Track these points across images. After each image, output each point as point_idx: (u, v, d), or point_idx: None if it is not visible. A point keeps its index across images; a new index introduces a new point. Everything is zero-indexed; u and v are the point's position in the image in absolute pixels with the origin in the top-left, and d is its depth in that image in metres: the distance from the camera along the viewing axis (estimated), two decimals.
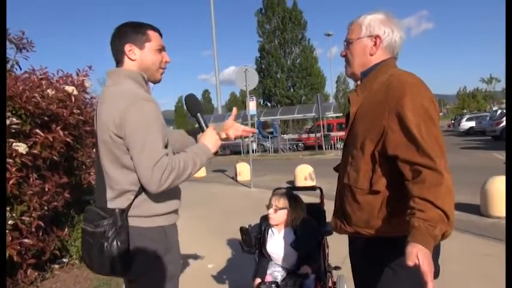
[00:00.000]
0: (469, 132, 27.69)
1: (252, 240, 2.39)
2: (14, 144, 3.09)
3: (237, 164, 12.40)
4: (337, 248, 4.10)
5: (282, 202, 2.40)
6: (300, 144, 25.17)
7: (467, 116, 32.00)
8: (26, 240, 3.18)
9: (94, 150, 4.20)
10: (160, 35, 1.76)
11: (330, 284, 2.59)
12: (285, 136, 27.39)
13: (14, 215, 3.14)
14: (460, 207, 6.15)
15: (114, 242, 1.53)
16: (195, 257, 4.33)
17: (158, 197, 1.60)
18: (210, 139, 1.75)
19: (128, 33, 1.67)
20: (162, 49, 1.74)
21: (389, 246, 1.43)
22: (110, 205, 1.62)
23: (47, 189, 3.42)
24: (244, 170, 11.72)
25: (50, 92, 3.52)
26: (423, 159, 1.28)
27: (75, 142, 3.88)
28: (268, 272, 2.36)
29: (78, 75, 4.10)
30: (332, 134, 22.94)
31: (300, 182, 9.50)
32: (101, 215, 1.58)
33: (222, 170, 14.95)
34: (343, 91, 71.29)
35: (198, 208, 7.19)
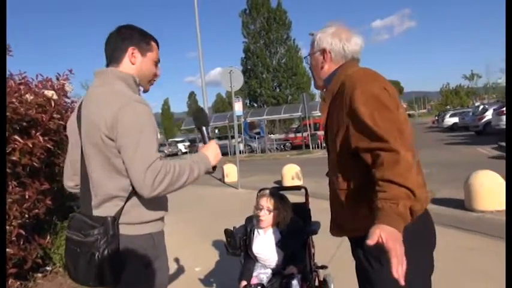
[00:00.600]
0: (453, 128, 28.15)
1: (237, 242, 2.37)
2: None
3: (224, 165, 12.37)
4: (325, 247, 4.12)
5: (273, 203, 2.39)
6: (287, 144, 25.24)
7: (450, 112, 32.56)
8: (6, 249, 3.10)
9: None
10: (159, 48, 1.76)
11: (317, 283, 2.58)
12: (272, 136, 27.45)
13: None
14: (444, 202, 6.24)
15: (106, 252, 1.47)
16: (183, 260, 4.29)
17: (147, 204, 1.57)
18: (212, 151, 1.72)
19: (135, 37, 1.66)
20: (158, 62, 1.75)
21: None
22: (96, 213, 1.56)
23: (27, 197, 3.34)
24: (231, 171, 11.70)
25: (29, 97, 3.44)
26: (378, 143, 1.31)
27: (56, 148, 3.80)
28: (254, 274, 2.34)
29: (58, 79, 4.02)
30: (318, 133, 23.03)
31: (288, 182, 9.52)
32: (88, 223, 1.52)
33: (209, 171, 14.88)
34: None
35: (186, 211, 7.14)
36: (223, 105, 67.13)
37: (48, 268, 3.95)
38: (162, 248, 1.68)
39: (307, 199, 2.73)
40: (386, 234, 1.18)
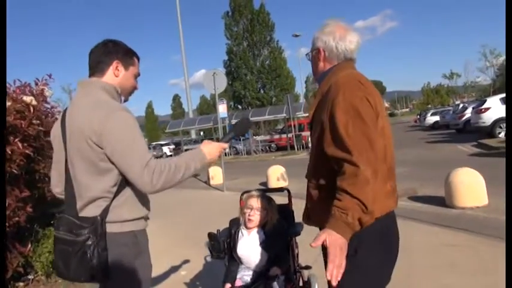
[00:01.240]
0: (434, 126, 28.66)
1: (221, 245, 2.37)
2: None
3: (209, 168, 12.32)
4: (309, 248, 4.15)
5: (264, 204, 2.42)
6: (272, 145, 25.31)
7: (432, 111, 33.13)
8: (6, 249, 3.03)
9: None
10: (139, 63, 1.90)
11: (301, 284, 2.60)
12: (257, 138, 27.48)
13: None
14: (425, 199, 6.36)
15: (96, 250, 1.58)
16: (168, 264, 4.26)
17: (127, 204, 1.67)
18: (209, 147, 1.81)
19: (120, 51, 1.78)
20: (137, 76, 1.88)
21: None
22: (81, 214, 1.65)
23: (7, 204, 3.27)
24: (216, 174, 11.67)
25: (7, 103, 3.37)
26: (344, 154, 1.38)
27: (36, 154, 3.73)
28: (238, 276, 2.34)
29: (37, 84, 3.95)
30: (303, 133, 23.17)
31: (273, 183, 9.55)
32: (77, 224, 1.62)
33: (195, 174, 14.81)
34: (313, 91, 72.40)
35: (171, 214, 7.08)
36: (208, 107, 66.88)
37: (29, 277, 3.88)
38: (144, 245, 1.76)
39: (290, 200, 2.75)
40: (330, 240, 1.31)
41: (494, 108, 14.27)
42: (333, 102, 1.46)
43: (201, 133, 39.50)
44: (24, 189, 3.50)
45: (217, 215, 6.92)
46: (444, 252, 3.94)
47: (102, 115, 1.58)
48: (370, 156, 1.36)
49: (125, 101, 1.88)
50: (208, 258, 4.24)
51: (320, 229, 1.63)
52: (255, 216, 2.39)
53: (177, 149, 28.32)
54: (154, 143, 42.01)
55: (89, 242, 1.58)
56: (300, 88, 74.52)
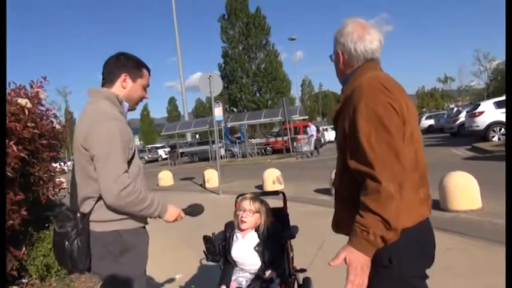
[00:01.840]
0: (429, 130, 28.83)
1: (216, 248, 2.38)
2: None
3: (205, 170, 12.31)
4: (305, 251, 4.17)
5: (257, 206, 2.44)
6: (267, 148, 25.31)
7: (426, 115, 33.35)
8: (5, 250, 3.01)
9: (53, 164, 4.10)
10: (150, 74, 2.05)
11: (296, 287, 2.61)
12: (253, 141, 27.50)
13: None
14: None
15: (75, 242, 1.76)
16: (163, 267, 4.26)
17: None
18: (173, 210, 1.97)
19: (130, 64, 1.94)
20: (147, 87, 2.04)
21: None
22: (80, 209, 1.85)
23: None
24: (212, 177, 11.66)
25: None
26: (366, 168, 1.31)
27: (31, 157, 3.71)
28: (233, 278, 2.35)
29: (32, 87, 3.94)
30: (299, 136, 23.21)
31: (268, 186, 9.56)
32: (69, 217, 1.82)
33: (190, 177, 14.79)
34: (308, 94, 72.67)
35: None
36: (203, 110, 66.86)
37: (24, 280, 3.85)
38: (133, 243, 1.84)
39: (285, 204, 2.76)
40: (351, 258, 1.28)
41: (488, 112, 14.39)
42: (355, 109, 1.38)
43: (197, 136, 39.45)
44: (18, 192, 3.48)
45: (213, 218, 6.88)
46: (438, 255, 3.89)
47: (91, 121, 1.76)
48: (396, 169, 1.29)
49: (132, 109, 2.04)
50: (204, 261, 4.24)
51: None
52: (248, 218, 2.40)
53: (173, 152, 28.22)
54: (149, 146, 41.93)
55: (69, 235, 1.76)
56: (295, 91, 74.70)
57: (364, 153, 1.31)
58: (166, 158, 30.37)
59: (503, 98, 14.61)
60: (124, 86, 1.93)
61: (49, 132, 3.92)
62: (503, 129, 13.88)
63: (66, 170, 5.69)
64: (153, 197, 1.87)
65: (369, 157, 1.30)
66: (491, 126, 14.22)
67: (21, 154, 3.38)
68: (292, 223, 2.68)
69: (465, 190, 5.60)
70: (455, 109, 23.38)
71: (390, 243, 1.29)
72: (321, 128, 29.60)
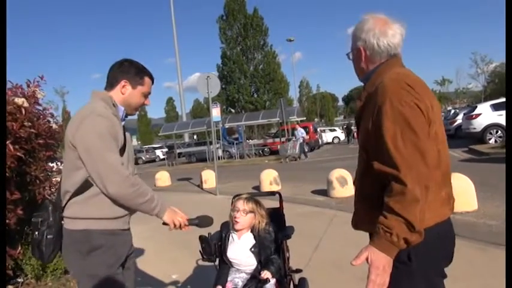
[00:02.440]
0: None
1: (212, 248, 2.38)
2: None
3: (202, 171, 12.31)
4: (301, 251, 4.18)
5: (250, 206, 2.43)
6: (265, 149, 25.30)
7: None
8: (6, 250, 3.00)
9: (50, 163, 4.09)
10: (153, 82, 2.09)
11: (292, 287, 2.61)
12: (250, 142, 27.49)
13: None
14: None
15: (44, 234, 1.82)
16: (159, 268, 4.26)
17: (82, 203, 1.83)
18: (174, 213, 2.01)
19: (130, 71, 1.99)
20: (147, 95, 2.08)
21: None
22: (62, 203, 1.89)
23: None
24: (209, 178, 11.65)
25: None
26: (391, 170, 1.30)
27: (28, 156, 3.71)
28: (229, 278, 2.35)
29: (28, 86, 3.94)
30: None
31: (266, 187, 9.56)
32: (46, 208, 1.88)
33: (188, 178, 14.79)
34: (306, 95, 72.72)
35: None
36: (201, 110, 66.80)
37: (19, 280, 3.84)
38: (100, 244, 1.84)
39: (281, 204, 2.77)
40: (373, 258, 1.30)
41: (485, 115, 14.45)
42: (379, 109, 1.35)
43: (195, 137, 39.41)
44: (15, 191, 3.48)
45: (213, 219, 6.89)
46: None
47: (81, 118, 1.82)
48: (422, 170, 1.28)
49: (131, 114, 2.09)
50: (200, 262, 4.24)
51: (370, 235, 1.59)
52: (241, 219, 2.40)
53: (170, 152, 28.18)
54: (147, 146, 41.83)
55: (39, 226, 1.83)
56: (293, 92, 74.73)
57: (390, 154, 1.31)
58: (163, 159, 30.29)
59: (500, 100, 14.69)
60: (123, 91, 1.98)
61: (46, 132, 3.91)
62: (499, 132, 13.94)
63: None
64: (153, 194, 1.90)
65: (394, 158, 1.29)
66: (488, 128, 14.27)
67: (18, 153, 3.38)
68: (288, 224, 2.68)
69: (461, 192, 5.61)
70: (453, 111, 23.48)
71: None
72: (318, 130, 29.61)
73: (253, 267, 2.35)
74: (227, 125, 26.85)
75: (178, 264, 4.33)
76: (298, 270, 2.74)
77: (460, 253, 3.86)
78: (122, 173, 1.77)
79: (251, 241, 2.38)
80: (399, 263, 1.38)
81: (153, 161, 34.82)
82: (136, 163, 32.05)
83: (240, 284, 2.30)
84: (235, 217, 2.41)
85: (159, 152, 35.64)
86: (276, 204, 2.81)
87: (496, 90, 44.43)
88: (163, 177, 14.30)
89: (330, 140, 33.54)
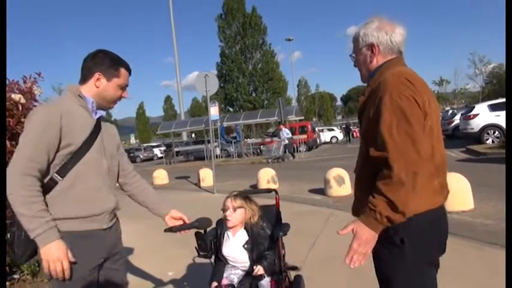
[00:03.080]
0: None
1: (208, 245, 2.38)
2: None
3: (200, 170, 12.30)
4: (298, 249, 4.18)
5: (239, 202, 2.44)
6: (263, 148, 25.29)
7: None
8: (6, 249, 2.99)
9: None
10: (130, 74, 1.97)
11: (287, 284, 2.62)
12: (248, 140, 27.46)
13: None
14: None
15: (15, 234, 1.74)
16: (156, 265, 4.25)
17: (49, 203, 1.71)
18: (56, 250, 1.65)
19: (104, 63, 1.87)
20: (124, 87, 1.95)
21: None
22: None
23: None
24: (207, 176, 11.65)
25: None
26: (383, 155, 1.43)
27: None
28: (225, 275, 2.35)
29: (25, 82, 3.92)
30: (294, 137, 23.23)
31: (263, 186, 9.55)
32: None
33: (185, 176, 14.78)
34: (305, 94, 72.77)
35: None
36: (199, 109, 66.77)
37: (15, 276, 3.83)
38: (68, 247, 1.69)
39: (277, 201, 2.77)
40: (358, 229, 1.46)
41: (482, 115, 14.49)
42: (380, 101, 1.48)
43: (193, 135, 39.38)
44: None
45: (207, 216, 6.89)
46: None
47: None
48: (412, 157, 1.39)
49: (109, 108, 1.99)
50: (197, 259, 4.24)
51: None
52: (232, 216, 2.41)
53: (168, 151, 28.14)
54: (145, 145, 41.79)
55: (9, 227, 1.80)
56: (292, 92, 74.79)
57: (384, 141, 1.43)
58: (161, 157, 30.25)
59: (498, 101, 14.73)
60: (97, 85, 1.87)
61: None
62: (497, 132, 13.98)
63: None
64: (47, 219, 1.64)
65: (387, 145, 1.42)
66: (485, 128, 14.32)
67: (14, 149, 3.37)
68: (285, 222, 2.68)
69: (458, 191, 5.63)
70: (450, 111, 23.51)
71: (402, 225, 1.43)
72: (316, 129, 29.63)
73: (249, 263, 2.36)
74: (225, 124, 26.82)
75: (174, 261, 4.33)
76: (294, 268, 2.74)
77: (456, 252, 3.90)
78: (15, 168, 1.62)
79: (245, 238, 2.39)
80: (393, 246, 1.53)
81: (151, 159, 34.80)
82: (134, 161, 32.31)
83: (236, 280, 2.31)
84: (226, 215, 2.42)
85: (157, 151, 35.63)
86: (272, 202, 2.81)
87: (494, 91, 44.56)
88: (161, 176, 14.29)
89: (328, 140, 33.57)
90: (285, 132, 20.20)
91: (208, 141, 21.59)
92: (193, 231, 2.28)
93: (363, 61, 1.74)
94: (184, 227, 2.13)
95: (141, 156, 34.82)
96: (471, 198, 5.73)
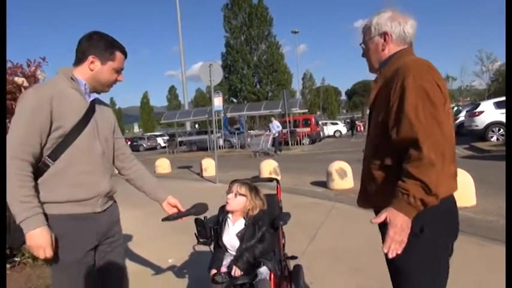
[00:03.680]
0: None
1: (207, 232, 2.37)
2: None
3: (202, 160, 12.32)
4: (298, 241, 4.19)
5: (243, 190, 2.41)
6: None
7: None
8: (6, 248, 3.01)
9: None
10: (126, 57, 1.93)
11: (286, 274, 2.62)
12: (252, 132, 27.44)
13: None
14: None
15: (11, 218, 1.66)
16: (156, 252, 4.27)
17: (41, 187, 1.71)
18: (40, 237, 1.63)
19: (99, 46, 1.82)
20: (120, 71, 1.91)
21: None
22: None
23: None
24: (209, 166, 11.67)
25: None
26: (410, 137, 1.41)
27: None
28: (224, 263, 2.34)
29: (29, 66, 3.91)
30: (298, 130, 23.19)
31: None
32: None
33: (188, 166, 14.81)
34: (309, 87, 72.47)
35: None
36: (203, 100, 66.68)
37: (16, 259, 3.86)
38: (61, 230, 1.71)
39: (278, 191, 2.76)
40: (392, 217, 1.41)
41: (488, 112, 14.37)
42: (403, 84, 1.47)
43: (196, 126, 39.38)
44: None
45: (209, 205, 6.90)
46: None
47: None
48: (439, 139, 1.39)
49: (103, 91, 1.95)
50: (197, 247, 4.26)
51: (376, 212, 1.66)
52: (232, 200, 2.39)
53: (171, 140, 28.15)
54: (148, 134, 41.85)
55: (7, 211, 1.68)
56: (296, 84, 74.48)
57: (410, 123, 1.41)
58: (164, 147, 30.29)
59: (504, 98, 14.60)
60: (92, 68, 1.83)
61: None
62: (502, 130, 13.87)
63: None
64: (33, 204, 1.63)
65: (414, 127, 1.40)
66: (490, 126, 14.21)
67: None
68: (285, 211, 2.67)
69: (460, 187, 5.56)
70: (455, 108, 23.35)
71: (421, 213, 1.40)
72: (320, 122, 29.55)
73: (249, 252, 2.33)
74: (229, 115, 26.78)
75: (175, 248, 4.35)
76: (294, 257, 2.74)
77: (459, 248, 3.86)
78: (12, 154, 1.62)
79: (245, 227, 2.37)
80: (411, 235, 1.46)
81: (154, 148, 34.87)
82: (137, 150, 32.39)
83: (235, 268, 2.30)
84: (227, 198, 2.41)
85: (160, 140, 35.67)
86: (274, 192, 2.80)
87: (500, 89, 44.15)
88: (163, 165, 14.33)
89: (331, 133, 33.51)
90: (275, 125, 19.65)
91: (212, 132, 21.62)
92: (193, 218, 2.27)
93: (374, 50, 1.74)
94: (181, 214, 2.11)
95: (144, 145, 34.89)
96: (474, 195, 5.71)
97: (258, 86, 38.78)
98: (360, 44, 1.81)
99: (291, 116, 24.44)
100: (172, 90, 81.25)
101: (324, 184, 8.23)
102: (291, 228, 2.47)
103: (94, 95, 1.89)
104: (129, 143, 31.67)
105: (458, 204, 1.66)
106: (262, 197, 2.48)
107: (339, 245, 4.14)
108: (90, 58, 1.81)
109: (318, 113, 63.37)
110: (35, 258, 3.94)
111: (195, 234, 2.39)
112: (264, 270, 2.21)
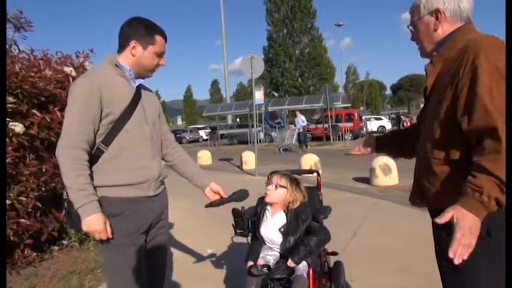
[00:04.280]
0: None
1: (245, 223, 2.32)
2: (10, 123, 3.06)
3: (242, 153, 12.37)
4: (340, 237, 4.05)
5: (284, 181, 2.31)
6: (307, 134, 25.00)
7: None
8: (22, 220, 3.17)
9: None
10: (166, 41, 1.94)
11: (326, 270, 2.52)
12: (293, 126, 27.21)
13: (11, 194, 3.13)
14: None
15: (69, 203, 1.76)
16: (195, 242, 4.32)
17: (97, 171, 1.78)
18: (96, 221, 1.71)
19: (140, 31, 1.85)
20: (161, 55, 1.93)
21: None
22: None
23: (44, 170, 3.40)
24: (249, 159, 11.70)
25: (48, 72, 3.48)
26: (485, 125, 1.23)
27: None
28: (261, 255, 2.28)
29: (77, 57, 4.05)
30: (340, 125, 22.70)
31: None
32: None
33: (228, 158, 14.95)
34: (353, 82, 70.78)
35: (201, 194, 7.11)
36: (245, 94, 67.11)
37: (64, 242, 4.04)
38: (116, 212, 1.78)
39: (318, 184, 2.66)
40: (459, 216, 1.20)
41: None
42: (474, 63, 1.29)
43: (237, 119, 39.68)
44: None
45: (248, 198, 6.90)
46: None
47: None
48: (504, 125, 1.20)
49: (147, 76, 1.97)
50: (235, 238, 4.25)
51: (432, 213, 1.52)
52: (271, 192, 2.29)
53: (213, 133, 28.57)
54: (191, 127, 42.71)
55: (66, 195, 1.78)
56: (339, 79, 72.95)
57: (486, 109, 1.23)
58: (206, 139, 30.80)
59: None
60: (134, 53, 1.86)
61: None
62: None
63: None
64: (89, 191, 1.70)
65: (490, 113, 1.22)
66: None
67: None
68: (326, 205, 2.56)
69: None
70: None
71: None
72: (363, 118, 28.77)
73: (286, 246, 2.23)
74: (270, 109, 26.72)
75: (214, 238, 4.37)
76: (334, 253, 2.64)
77: None
78: (69, 144, 1.70)
79: (282, 221, 2.27)
80: (478, 238, 1.27)
81: (197, 140, 35.53)
82: (180, 142, 32.93)
83: (272, 261, 2.23)
84: (267, 189, 2.32)
85: (202, 133, 36.29)
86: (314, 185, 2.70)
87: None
88: (205, 156, 14.58)
89: (375, 129, 32.54)
90: (300, 120, 19.11)
91: (252, 126, 21.65)
92: (232, 206, 2.24)
93: (424, 31, 1.54)
94: (223, 200, 2.12)
95: (187, 138, 35.63)
96: None
97: (300, 80, 38.36)
98: (408, 27, 1.61)
99: (333, 110, 23.97)
100: (214, 84, 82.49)
101: (367, 180, 7.99)
102: (331, 224, 2.36)
103: (139, 81, 1.94)
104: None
105: None
106: (302, 189, 2.37)
107: (382, 243, 3.97)
108: (132, 43, 1.84)
109: (362, 108, 61.81)
110: (81, 243, 4.10)
111: (233, 225, 2.35)
112: (302, 266, 2.14)
